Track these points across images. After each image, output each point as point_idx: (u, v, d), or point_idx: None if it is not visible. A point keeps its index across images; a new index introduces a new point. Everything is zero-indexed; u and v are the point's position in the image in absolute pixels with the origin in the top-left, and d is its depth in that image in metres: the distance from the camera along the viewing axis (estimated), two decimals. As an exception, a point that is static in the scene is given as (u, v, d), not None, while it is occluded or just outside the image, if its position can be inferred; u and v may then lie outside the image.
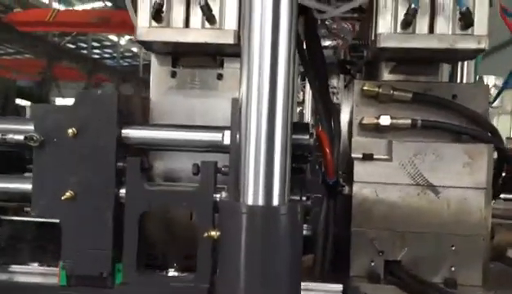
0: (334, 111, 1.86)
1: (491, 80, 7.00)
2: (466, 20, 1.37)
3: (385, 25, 1.45)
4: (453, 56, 1.61)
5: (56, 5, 23.21)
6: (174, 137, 1.48)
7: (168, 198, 1.38)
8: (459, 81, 2.17)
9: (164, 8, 1.48)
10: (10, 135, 1.42)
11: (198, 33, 1.50)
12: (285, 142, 1.16)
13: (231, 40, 1.50)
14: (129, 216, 1.36)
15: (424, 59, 1.61)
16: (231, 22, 1.50)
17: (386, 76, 1.72)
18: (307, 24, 1.77)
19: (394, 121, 1.62)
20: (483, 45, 1.41)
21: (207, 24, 1.49)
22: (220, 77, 1.68)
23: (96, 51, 28.46)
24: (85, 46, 26.92)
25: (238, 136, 1.22)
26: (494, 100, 5.91)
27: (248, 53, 1.15)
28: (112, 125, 1.38)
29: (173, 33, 1.50)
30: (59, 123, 1.39)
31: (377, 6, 1.46)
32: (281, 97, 1.15)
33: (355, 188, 1.63)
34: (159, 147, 1.55)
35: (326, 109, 1.75)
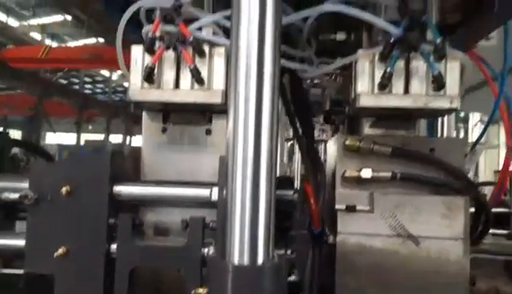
0: (320, 164, 1.94)
1: (476, 117, 7.17)
2: (438, 82, 1.47)
3: (363, 86, 1.54)
4: (427, 114, 1.71)
5: (48, 41, 23.46)
6: (164, 193, 1.54)
7: (158, 253, 1.43)
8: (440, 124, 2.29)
9: (156, 70, 1.56)
10: (5, 194, 1.48)
11: (187, 94, 1.58)
12: (269, 200, 1.23)
13: (218, 100, 1.58)
14: (120, 271, 1.41)
15: (402, 116, 1.70)
16: (218, 83, 1.59)
17: (367, 130, 1.80)
18: (292, 82, 1.87)
19: (375, 174, 1.69)
20: (455, 105, 1.51)
21: (196, 85, 1.58)
22: (209, 132, 1.76)
23: (88, 86, 28.68)
24: (77, 81, 27.12)
25: (224, 194, 1.28)
26: (481, 136, 6.07)
27: (233, 113, 1.23)
28: (104, 183, 1.44)
29: (164, 94, 1.58)
30: (53, 182, 1.45)
31: (355, 69, 1.56)
32: (265, 156, 1.22)
33: (339, 238, 1.69)
34: (150, 202, 1.60)
35: (313, 164, 1.83)
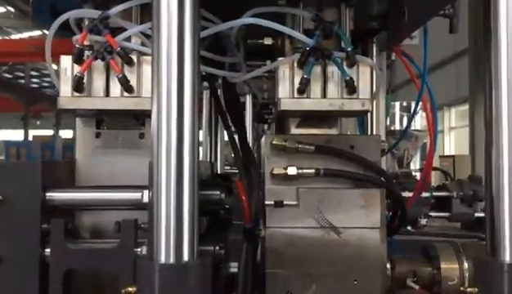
0: (253, 161, 2.05)
1: (397, 105, 7.44)
2: (350, 87, 1.60)
3: (284, 91, 1.66)
4: (344, 115, 1.85)
5: (-10, 34, 22.39)
6: (97, 198, 1.61)
7: (90, 256, 1.50)
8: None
9: (85, 79, 1.62)
10: None
11: (118, 101, 1.65)
12: (192, 200, 1.33)
13: (148, 106, 1.65)
14: (54, 275, 1.47)
15: (323, 116, 1.83)
16: (148, 90, 1.65)
17: (293, 130, 1.92)
18: (224, 85, 1.97)
19: (300, 171, 1.82)
20: (367, 107, 1.65)
21: (126, 93, 1.65)
22: (142, 136, 1.83)
23: (35, 80, 27.67)
24: (23, 75, 26.10)
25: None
26: (407, 127, 6.35)
27: (157, 118, 1.33)
28: (36, 191, 1.49)
29: (95, 102, 1.64)
30: None
31: (277, 75, 1.67)
32: (188, 160, 1.33)
33: (267, 232, 1.81)
34: (84, 207, 1.66)
35: (246, 160, 1.93)
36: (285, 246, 1.81)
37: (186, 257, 1.29)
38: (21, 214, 1.50)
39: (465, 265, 1.92)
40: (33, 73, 26.33)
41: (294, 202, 1.83)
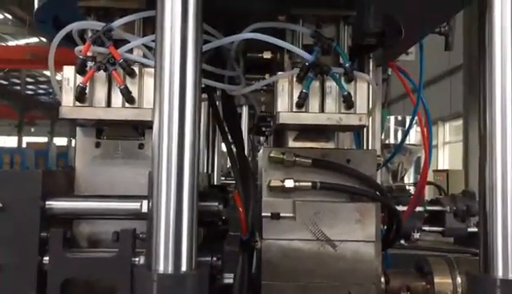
0: (250, 174, 2.07)
1: (392, 119, 7.50)
2: (348, 102, 1.64)
3: (283, 105, 1.69)
4: (341, 129, 1.88)
5: (-14, 41, 22.38)
6: (96, 207, 1.62)
7: (89, 265, 1.51)
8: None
9: (87, 90, 1.64)
10: None
11: (119, 112, 1.67)
12: (191, 211, 1.35)
13: (149, 117, 1.67)
14: (52, 284, 1.47)
15: (320, 129, 1.86)
16: (149, 101, 1.68)
17: (291, 143, 1.95)
18: (223, 98, 2.00)
19: (297, 184, 1.84)
20: (364, 122, 1.68)
21: (127, 104, 1.67)
22: (141, 146, 1.85)
23: (30, 87, 27.64)
24: (18, 82, 26.05)
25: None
26: (402, 141, 6.36)
27: (158, 129, 1.35)
28: (36, 199, 1.50)
29: (96, 112, 1.66)
30: None
31: (276, 89, 1.70)
32: (188, 171, 1.35)
33: (264, 244, 1.83)
34: (83, 216, 1.68)
35: (243, 172, 1.96)
36: (281, 258, 1.82)
37: (184, 267, 1.31)
38: (20, 222, 1.51)
39: (459, 280, 1.94)
40: (29, 79, 26.29)
41: (291, 215, 1.85)
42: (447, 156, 17.61)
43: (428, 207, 3.33)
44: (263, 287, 1.80)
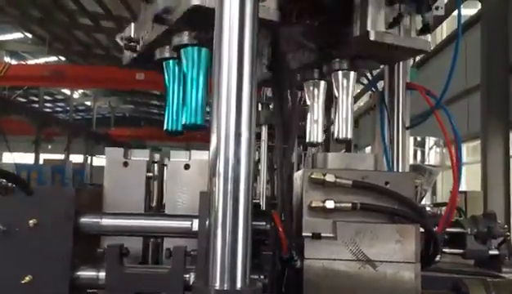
0: (291, 193, 2.13)
1: (431, 141, 7.53)
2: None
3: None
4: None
5: (7, 59, 22.92)
6: (148, 225, 1.69)
7: (144, 280, 1.56)
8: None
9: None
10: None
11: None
12: (246, 231, 1.40)
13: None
14: (108, 298, 1.54)
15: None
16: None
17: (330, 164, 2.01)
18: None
19: (338, 204, 1.89)
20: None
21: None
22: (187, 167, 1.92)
23: (48, 104, 28.10)
24: (36, 99, 26.51)
25: (207, 225, 1.43)
26: (423, 159, 6.26)
27: (215, 148, 1.40)
28: (70, 216, 1.58)
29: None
30: (21, 214, 1.58)
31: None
32: (243, 193, 1.40)
33: (305, 263, 1.87)
34: (132, 233, 1.75)
35: (287, 195, 2.02)
36: (322, 277, 1.86)
37: (239, 284, 1.36)
38: (54, 238, 1.58)
39: (495, 301, 1.96)
40: (47, 97, 26.76)
41: (331, 235, 1.90)
42: (464, 177, 17.46)
43: (449, 229, 3.33)
44: (305, 305, 1.84)
